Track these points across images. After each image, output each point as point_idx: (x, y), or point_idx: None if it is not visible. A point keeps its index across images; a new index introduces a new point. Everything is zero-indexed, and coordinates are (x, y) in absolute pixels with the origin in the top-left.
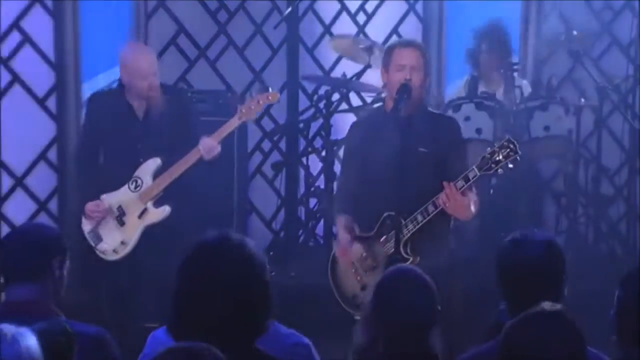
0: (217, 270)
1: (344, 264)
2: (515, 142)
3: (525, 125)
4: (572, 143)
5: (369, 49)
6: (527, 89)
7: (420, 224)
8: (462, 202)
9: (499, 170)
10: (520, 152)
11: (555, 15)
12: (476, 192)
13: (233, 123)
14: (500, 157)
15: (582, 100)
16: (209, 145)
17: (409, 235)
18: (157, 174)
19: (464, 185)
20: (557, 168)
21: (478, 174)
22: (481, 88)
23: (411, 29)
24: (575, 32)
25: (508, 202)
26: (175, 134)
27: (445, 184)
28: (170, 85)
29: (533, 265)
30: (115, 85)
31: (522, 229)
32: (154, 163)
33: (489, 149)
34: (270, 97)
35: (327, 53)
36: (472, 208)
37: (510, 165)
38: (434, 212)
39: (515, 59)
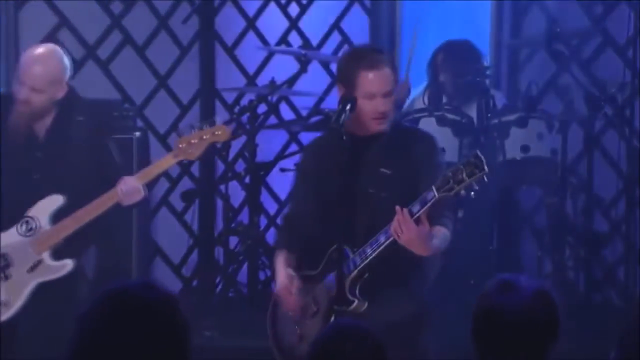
0: (126, 332)
1: (287, 306)
2: (482, 158)
3: (499, 144)
4: (557, 167)
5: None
6: (501, 100)
7: (369, 258)
8: (418, 232)
9: (462, 192)
10: (487, 170)
11: (536, 9)
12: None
13: (167, 162)
14: (464, 175)
15: (569, 113)
16: (131, 189)
17: (355, 272)
18: (57, 217)
19: (419, 211)
20: (538, 198)
21: (437, 195)
22: (444, 98)
23: (356, 25)
24: (559, 30)
25: (478, 239)
26: (86, 164)
27: (397, 209)
28: (89, 98)
29: (522, 320)
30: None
31: (505, 274)
32: (54, 201)
33: (459, 162)
34: (219, 132)
35: (252, 53)
36: (435, 241)
37: (476, 187)
38: (386, 244)
39: (486, 62)
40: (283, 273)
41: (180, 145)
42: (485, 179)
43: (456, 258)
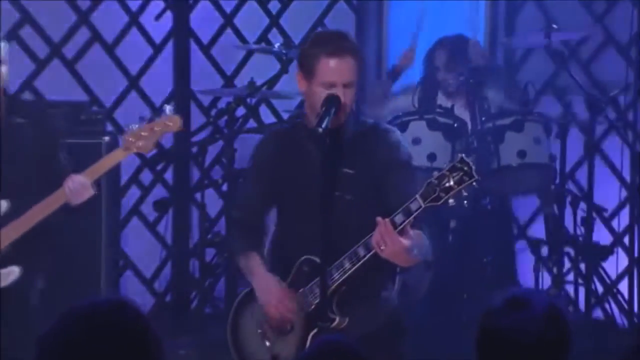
0: (92, 357)
1: (282, 315)
2: (469, 162)
3: (493, 149)
4: (556, 174)
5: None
6: (496, 101)
7: (349, 272)
8: (402, 244)
9: (450, 201)
10: (477, 176)
11: (531, 5)
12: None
13: (116, 156)
14: (452, 182)
15: (568, 116)
16: (78, 186)
17: (334, 287)
18: (2, 222)
19: (404, 222)
20: (535, 207)
21: (422, 205)
22: (438, 101)
23: (341, 21)
24: (556, 26)
25: (471, 251)
26: (32, 166)
27: (379, 220)
28: (31, 100)
29: (534, 342)
30: None
31: (512, 289)
32: None
33: (435, 172)
34: (170, 123)
35: (229, 52)
36: (416, 251)
37: (465, 194)
38: (366, 257)
39: (484, 62)
40: (267, 278)
41: (130, 139)
42: (475, 185)
43: (447, 270)
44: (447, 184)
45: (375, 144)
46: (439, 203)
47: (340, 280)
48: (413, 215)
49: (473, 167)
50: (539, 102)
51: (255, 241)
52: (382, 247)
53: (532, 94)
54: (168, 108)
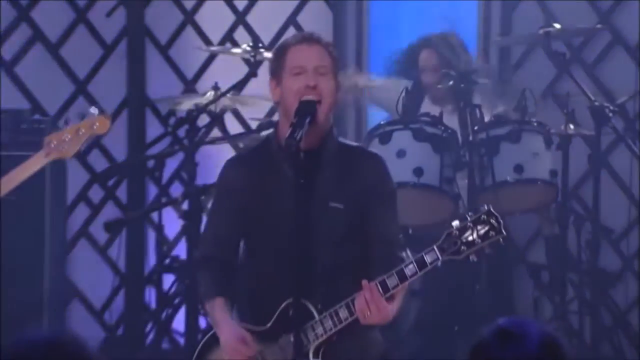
0: None
1: None
2: (498, 216)
3: (487, 163)
4: (557, 190)
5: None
6: (490, 109)
7: (329, 333)
8: (387, 312)
9: (471, 257)
10: (505, 233)
11: (529, 1)
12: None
13: (36, 163)
14: (474, 236)
15: (571, 126)
16: None
17: (325, 337)
18: None
19: (396, 286)
20: (535, 228)
21: (440, 258)
22: (424, 107)
23: (317, 20)
24: (558, 26)
25: (463, 278)
26: None
27: (365, 285)
28: None
29: None
30: None
31: (503, 319)
32: None
33: (456, 222)
34: (97, 125)
35: (190, 53)
36: (397, 302)
37: (488, 251)
38: (348, 321)
39: (472, 64)
40: (229, 328)
41: (51, 143)
42: (502, 241)
43: (436, 299)
44: (469, 237)
45: (363, 173)
46: (460, 257)
47: (322, 338)
48: (426, 269)
49: (502, 222)
50: (538, 109)
51: (223, 283)
52: (366, 315)
53: (530, 101)
54: (93, 108)
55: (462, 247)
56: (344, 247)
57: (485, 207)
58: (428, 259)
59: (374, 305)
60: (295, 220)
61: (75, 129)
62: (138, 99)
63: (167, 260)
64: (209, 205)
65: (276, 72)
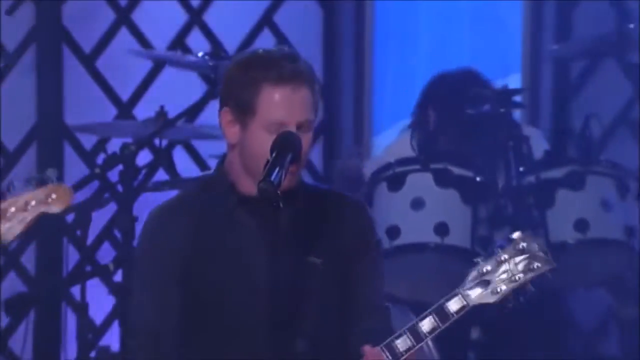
0: None
1: None
2: (541, 241)
3: (538, 218)
4: (636, 255)
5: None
6: (541, 144)
7: None
8: None
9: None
10: (554, 264)
11: None
12: None
13: None
14: (513, 270)
15: None
16: None
17: None
18: None
19: (411, 349)
20: (606, 307)
21: (469, 304)
22: (443, 143)
23: (301, 22)
24: (632, 26)
25: None
26: None
27: (367, 350)
28: None
29: None
30: None
31: None
32: None
33: (498, 250)
34: (53, 197)
35: (126, 64)
36: None
37: (532, 289)
38: None
39: (515, 82)
40: None
41: None
42: (549, 275)
43: None
44: (504, 275)
45: (344, 222)
46: (493, 301)
47: None
48: (450, 321)
49: (547, 251)
50: (608, 144)
51: None
52: None
53: (597, 132)
54: (50, 171)
55: (499, 287)
56: (327, 316)
57: (519, 235)
58: (452, 307)
59: None
60: (267, 284)
61: (24, 200)
62: (52, 128)
63: (92, 353)
64: (135, 279)
65: (239, 110)
